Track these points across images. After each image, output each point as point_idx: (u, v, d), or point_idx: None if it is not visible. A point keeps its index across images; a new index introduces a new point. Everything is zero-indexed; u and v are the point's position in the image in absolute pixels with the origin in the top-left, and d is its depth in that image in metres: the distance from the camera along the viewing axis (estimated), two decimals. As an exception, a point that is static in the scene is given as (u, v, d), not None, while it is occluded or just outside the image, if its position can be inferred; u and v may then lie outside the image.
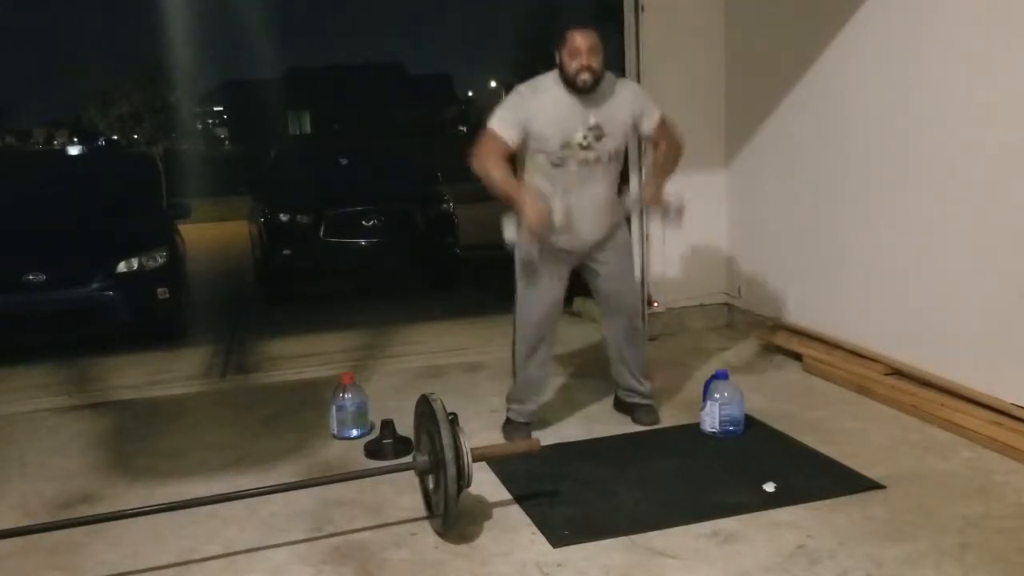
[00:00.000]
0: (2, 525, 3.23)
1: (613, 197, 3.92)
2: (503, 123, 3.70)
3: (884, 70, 4.42)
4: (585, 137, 3.71)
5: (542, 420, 4.20)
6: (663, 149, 3.92)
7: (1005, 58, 3.72)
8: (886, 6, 4.41)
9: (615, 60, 5.39)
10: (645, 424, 4.17)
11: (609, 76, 3.79)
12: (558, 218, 3.76)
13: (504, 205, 3.74)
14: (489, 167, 3.65)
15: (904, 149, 4.33)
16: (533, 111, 3.70)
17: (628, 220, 4.18)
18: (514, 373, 4.10)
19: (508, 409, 4.14)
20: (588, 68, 3.63)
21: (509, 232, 3.81)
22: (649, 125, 3.86)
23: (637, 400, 4.22)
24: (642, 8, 5.52)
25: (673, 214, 3.89)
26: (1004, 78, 3.73)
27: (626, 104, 3.80)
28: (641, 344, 4.24)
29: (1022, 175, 3.68)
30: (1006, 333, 3.80)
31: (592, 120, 3.71)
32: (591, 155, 3.74)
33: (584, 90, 3.66)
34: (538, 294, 3.92)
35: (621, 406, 4.31)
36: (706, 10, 5.72)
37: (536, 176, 3.80)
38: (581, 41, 3.62)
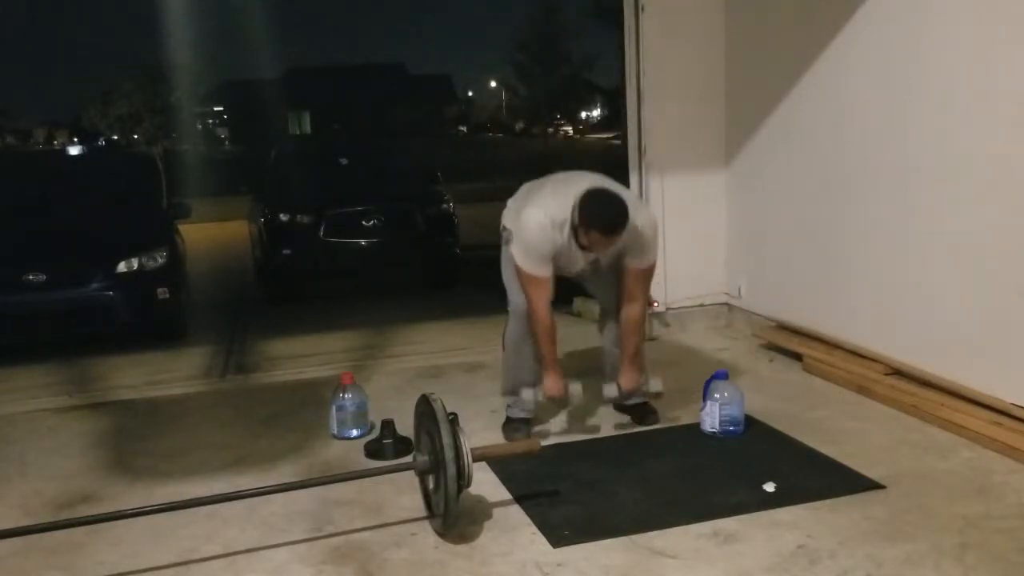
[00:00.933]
0: (2, 525, 3.23)
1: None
2: (534, 264, 3.76)
3: (884, 71, 4.42)
4: (584, 268, 3.93)
5: (540, 421, 4.20)
6: (633, 319, 3.96)
7: (1006, 57, 3.72)
8: (886, 6, 4.41)
9: (615, 60, 5.39)
10: (646, 424, 4.17)
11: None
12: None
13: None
14: (541, 331, 3.83)
15: (904, 149, 4.33)
16: (553, 245, 3.73)
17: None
18: (505, 364, 4.14)
19: (507, 407, 4.15)
20: (596, 254, 3.80)
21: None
22: (636, 263, 3.88)
23: (637, 400, 4.22)
24: (642, 8, 5.52)
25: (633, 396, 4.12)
26: (1005, 78, 3.73)
27: (619, 245, 3.80)
28: (641, 344, 4.22)
29: (1022, 175, 3.68)
30: (1006, 333, 3.80)
31: (592, 256, 3.84)
32: (587, 270, 3.97)
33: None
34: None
35: (621, 407, 4.30)
36: (706, 10, 5.72)
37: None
38: (602, 243, 3.69)
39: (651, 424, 4.17)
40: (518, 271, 3.82)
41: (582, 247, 3.73)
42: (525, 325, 3.95)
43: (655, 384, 4.11)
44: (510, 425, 4.12)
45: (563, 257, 3.78)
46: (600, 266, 3.92)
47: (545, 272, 3.76)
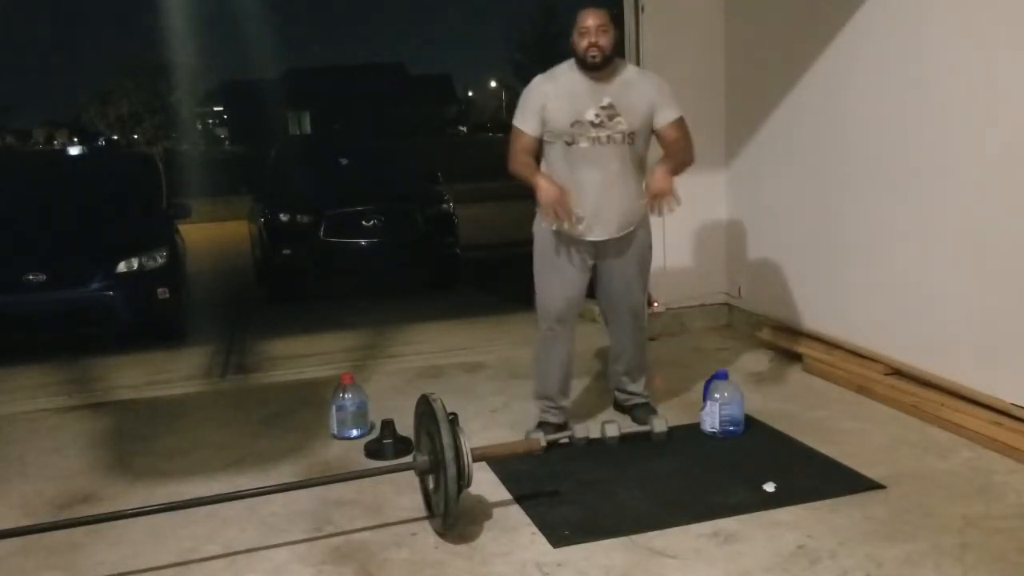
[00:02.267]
0: (2, 525, 3.23)
1: (631, 184, 3.84)
2: (522, 117, 3.81)
3: (883, 70, 4.42)
4: (597, 116, 3.72)
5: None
6: (680, 143, 3.87)
7: (1006, 57, 3.72)
8: (886, 5, 4.41)
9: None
10: (646, 423, 4.11)
11: (632, 67, 3.93)
12: (575, 205, 3.74)
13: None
14: (515, 166, 3.80)
15: (904, 149, 4.33)
16: (547, 94, 3.77)
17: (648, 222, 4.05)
18: (535, 367, 4.10)
19: (541, 411, 4.10)
20: (596, 45, 3.68)
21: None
22: (664, 119, 3.82)
23: (637, 401, 4.22)
24: (642, 8, 5.52)
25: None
26: (1005, 77, 3.73)
27: (645, 93, 3.81)
28: (643, 345, 4.22)
29: (1022, 174, 3.68)
30: (1006, 333, 3.80)
31: (605, 100, 3.73)
32: (603, 133, 3.73)
33: (595, 67, 3.70)
34: (556, 282, 3.91)
35: (621, 408, 4.30)
36: (706, 10, 5.72)
37: (554, 166, 3.82)
38: (590, 20, 3.69)
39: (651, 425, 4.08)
40: (511, 140, 3.83)
41: (581, 58, 3.69)
42: (551, 327, 3.94)
43: (659, 425, 3.92)
44: (541, 429, 4.01)
45: (569, 100, 3.72)
46: (616, 113, 3.72)
47: (528, 126, 3.77)
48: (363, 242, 8.30)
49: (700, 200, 5.82)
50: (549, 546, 3.04)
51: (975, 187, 3.93)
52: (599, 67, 3.70)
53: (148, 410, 4.93)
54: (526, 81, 3.95)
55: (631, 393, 4.23)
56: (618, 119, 3.74)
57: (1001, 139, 3.77)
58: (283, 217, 8.45)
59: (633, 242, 3.92)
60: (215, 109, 49.63)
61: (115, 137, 39.91)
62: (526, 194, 3.87)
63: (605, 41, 3.69)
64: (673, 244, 5.67)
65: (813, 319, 5.10)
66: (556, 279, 3.91)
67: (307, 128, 45.13)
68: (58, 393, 5.33)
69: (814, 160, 5.02)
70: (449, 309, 7.36)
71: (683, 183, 3.96)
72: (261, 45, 37.73)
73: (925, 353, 4.24)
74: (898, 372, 4.37)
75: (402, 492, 3.48)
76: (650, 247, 4.07)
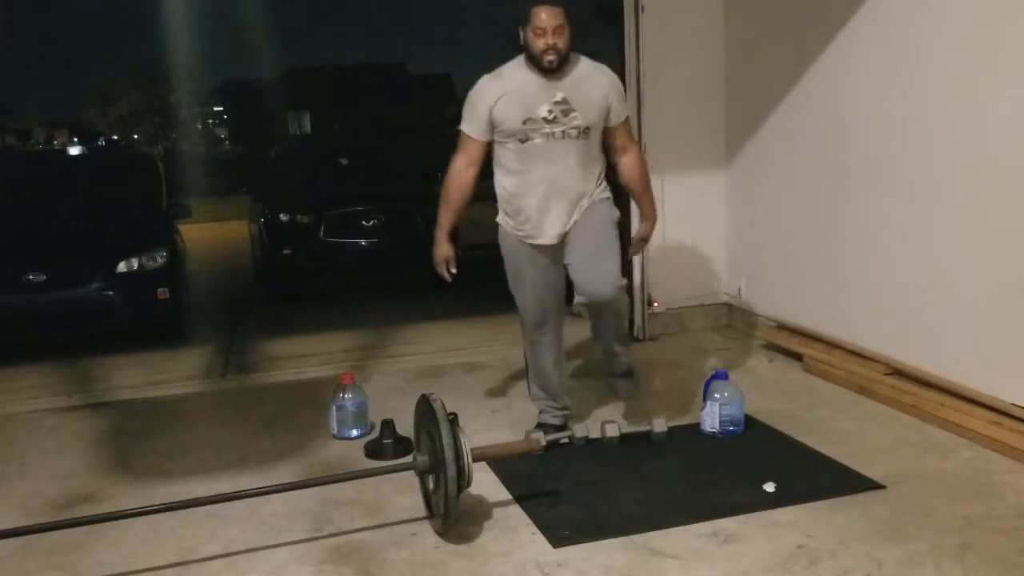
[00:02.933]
0: (2, 525, 3.23)
1: (587, 176, 3.71)
2: (470, 121, 3.67)
3: (884, 71, 4.42)
4: (551, 112, 3.57)
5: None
6: (631, 167, 3.83)
7: (1006, 57, 3.72)
8: (886, 5, 4.41)
9: (615, 61, 5.39)
10: (624, 393, 4.18)
11: (586, 60, 3.69)
12: (524, 216, 3.72)
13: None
14: (446, 194, 3.84)
15: (904, 149, 4.33)
16: (495, 95, 3.59)
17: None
18: (526, 370, 4.08)
19: (540, 412, 4.05)
20: (553, 48, 3.49)
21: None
22: (616, 119, 3.72)
23: (615, 368, 4.14)
24: (642, 8, 5.52)
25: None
26: (1005, 77, 3.73)
27: (601, 87, 3.67)
28: (620, 316, 4.03)
29: (1022, 175, 3.68)
30: (1006, 333, 3.80)
31: (559, 95, 3.57)
32: (557, 129, 3.58)
33: (551, 71, 3.53)
34: (525, 288, 3.84)
35: (613, 374, 4.20)
36: (706, 10, 5.72)
37: (507, 165, 3.71)
38: (546, 19, 3.46)
39: (630, 390, 4.21)
40: (458, 145, 3.73)
41: (536, 60, 3.50)
42: (531, 335, 3.90)
43: (659, 425, 3.87)
44: (541, 430, 3.91)
45: (520, 98, 3.55)
46: (571, 108, 3.57)
47: (477, 131, 3.63)
48: (363, 242, 8.30)
49: (700, 200, 5.84)
50: (549, 546, 3.04)
51: (975, 187, 3.92)
52: (555, 71, 3.54)
53: (148, 410, 4.93)
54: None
55: (611, 356, 4.11)
56: (573, 115, 3.59)
57: (1001, 139, 3.76)
58: (283, 217, 8.45)
59: (591, 215, 3.72)
60: (215, 109, 49.61)
61: (115, 137, 39.90)
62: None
63: (563, 43, 3.50)
64: (673, 244, 5.67)
65: (813, 319, 5.10)
66: (524, 284, 3.84)
67: (307, 128, 45.09)
68: (58, 393, 5.32)
69: (814, 160, 5.02)
70: (449, 309, 7.35)
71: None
72: (261, 45, 37.72)
73: (925, 353, 4.23)
74: (898, 372, 4.37)
75: (402, 492, 3.48)
76: (614, 223, 3.80)
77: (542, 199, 3.67)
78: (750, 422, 4.05)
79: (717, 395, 3.97)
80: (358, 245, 8.29)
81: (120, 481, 3.85)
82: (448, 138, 4.08)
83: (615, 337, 4.02)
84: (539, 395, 4.05)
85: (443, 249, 3.87)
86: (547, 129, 3.58)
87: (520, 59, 3.63)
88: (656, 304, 5.77)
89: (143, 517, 3.16)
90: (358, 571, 2.96)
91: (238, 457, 4.05)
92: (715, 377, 4.05)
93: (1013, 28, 3.67)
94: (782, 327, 5.35)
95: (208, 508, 3.31)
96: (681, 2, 5.67)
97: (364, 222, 8.28)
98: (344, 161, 9.82)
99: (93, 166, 8.41)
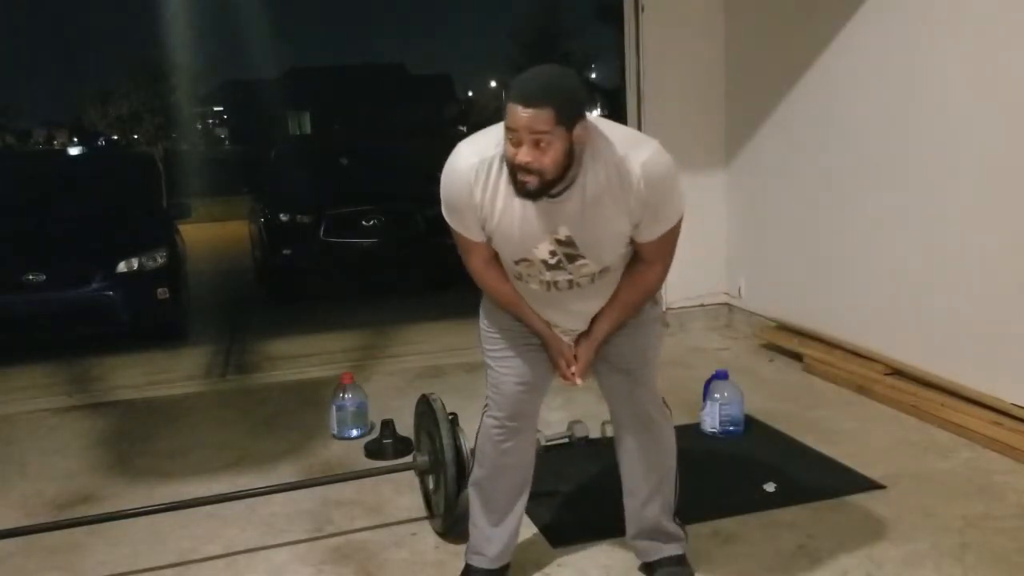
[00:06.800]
0: (2, 525, 3.23)
1: (608, 296, 2.56)
2: (460, 223, 2.43)
3: (884, 70, 4.42)
4: (552, 254, 2.38)
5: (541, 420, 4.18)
6: (641, 276, 2.51)
7: (1006, 57, 3.72)
8: (886, 6, 4.41)
9: (615, 61, 5.39)
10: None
11: (606, 152, 2.29)
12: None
13: None
14: (484, 285, 2.57)
15: (904, 149, 4.33)
16: (476, 205, 2.35)
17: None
18: (474, 479, 2.81)
19: (469, 553, 2.82)
20: (526, 168, 2.20)
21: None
22: (650, 235, 2.40)
23: (667, 552, 2.80)
24: (642, 8, 5.52)
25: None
26: (1005, 77, 3.73)
27: (620, 211, 2.32)
28: (667, 456, 2.79)
29: (1022, 174, 3.68)
30: (1006, 333, 3.80)
31: (561, 231, 2.34)
32: (560, 277, 2.43)
33: (528, 196, 2.26)
34: (509, 361, 2.64)
35: (647, 567, 2.84)
36: (706, 10, 5.72)
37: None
38: (520, 118, 2.16)
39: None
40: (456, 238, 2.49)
41: (514, 185, 2.25)
42: (501, 424, 2.69)
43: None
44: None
45: (509, 223, 2.33)
46: (578, 254, 2.37)
47: (475, 234, 2.41)
48: (363, 242, 8.30)
49: (700, 200, 5.83)
50: (549, 546, 3.04)
51: (975, 187, 3.93)
52: (533, 197, 2.26)
53: (148, 410, 4.93)
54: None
55: (656, 533, 2.81)
56: (582, 262, 2.39)
57: (1001, 139, 3.77)
58: (283, 217, 8.45)
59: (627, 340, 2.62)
60: (215, 109, 49.68)
61: (115, 137, 39.92)
62: None
63: (546, 162, 2.18)
64: (673, 244, 5.67)
65: (813, 319, 5.10)
66: (508, 355, 2.62)
67: (307, 128, 45.15)
68: (58, 393, 5.33)
69: (814, 160, 5.02)
70: (449, 309, 7.35)
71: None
72: (261, 45, 37.76)
73: (925, 353, 4.24)
74: (898, 372, 4.37)
75: (402, 492, 3.48)
76: (657, 321, 2.73)
77: (549, 315, 2.59)
78: (750, 422, 4.05)
79: (717, 395, 3.98)
80: (358, 245, 8.29)
81: (120, 481, 3.85)
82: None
83: (664, 502, 2.79)
84: (477, 515, 2.80)
85: (556, 344, 2.58)
86: (548, 276, 2.44)
87: (498, 154, 2.33)
88: (656, 304, 5.76)
89: (143, 517, 3.16)
90: (358, 571, 2.96)
91: (238, 457, 4.05)
92: (715, 377, 4.05)
93: (1013, 27, 3.67)
94: (782, 327, 5.35)
95: (208, 508, 3.31)
96: (681, 2, 5.67)
97: (364, 222, 8.28)
98: (344, 161, 9.83)
99: (93, 166, 8.43)
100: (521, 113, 2.15)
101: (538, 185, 2.22)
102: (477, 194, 2.32)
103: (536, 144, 2.16)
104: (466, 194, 2.33)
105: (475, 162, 2.32)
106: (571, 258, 2.38)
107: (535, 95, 2.16)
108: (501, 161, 2.29)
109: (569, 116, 2.17)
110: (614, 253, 2.42)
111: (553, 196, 2.28)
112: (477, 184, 2.32)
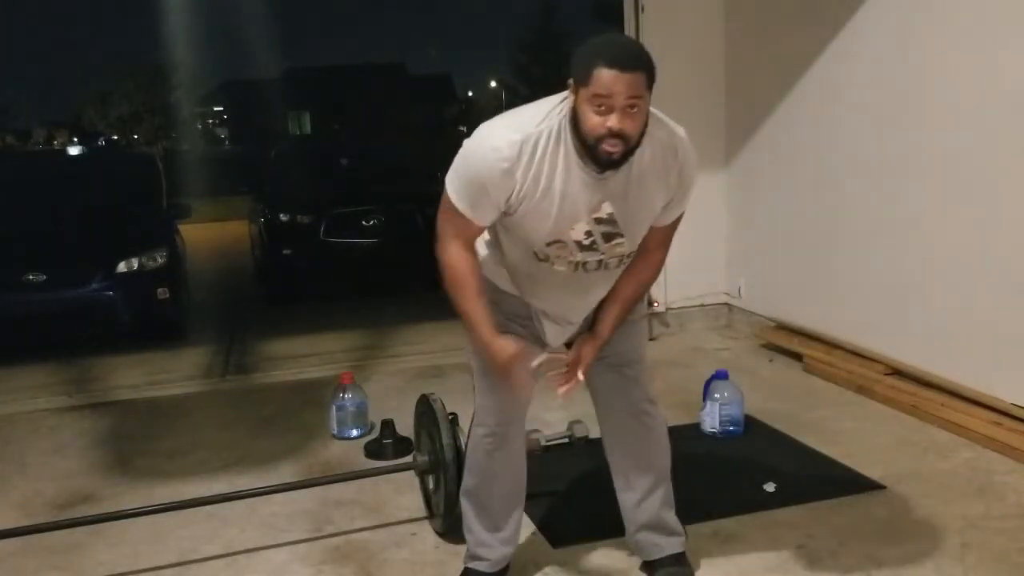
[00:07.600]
0: (2, 525, 3.23)
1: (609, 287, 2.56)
2: (469, 198, 2.30)
3: (884, 70, 4.42)
4: (588, 235, 2.32)
5: (541, 420, 4.18)
6: (640, 269, 2.51)
7: (1005, 57, 3.72)
8: (885, 6, 4.41)
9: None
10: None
11: (654, 131, 2.28)
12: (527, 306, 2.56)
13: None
14: (450, 272, 2.47)
15: (904, 149, 4.33)
16: (512, 187, 2.24)
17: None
18: (466, 488, 2.78)
19: (467, 557, 2.78)
20: (619, 135, 2.15)
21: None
22: (668, 217, 2.47)
23: (668, 551, 2.78)
24: (642, 8, 5.52)
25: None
26: (1004, 77, 3.73)
27: (659, 190, 2.35)
28: (664, 449, 2.76)
29: (1022, 174, 3.68)
30: (1006, 333, 3.80)
31: (604, 208, 2.29)
32: (591, 258, 2.37)
33: (611, 165, 2.21)
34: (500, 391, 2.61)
35: (647, 567, 2.82)
36: (706, 10, 5.72)
37: (506, 256, 2.50)
38: (615, 85, 2.11)
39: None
40: (441, 209, 2.37)
41: (588, 145, 2.17)
42: (491, 431, 2.68)
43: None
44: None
45: (551, 204, 2.25)
46: (617, 231, 2.33)
47: (479, 215, 2.31)
48: (363, 242, 8.30)
49: (700, 200, 5.78)
50: (549, 546, 3.04)
51: (975, 187, 3.93)
52: (616, 165, 2.22)
53: (148, 410, 4.93)
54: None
55: (654, 528, 2.78)
56: (618, 240, 2.36)
57: (1001, 139, 3.77)
58: (283, 217, 8.47)
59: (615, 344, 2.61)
60: (215, 109, 49.65)
61: (115, 137, 39.90)
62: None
63: (633, 126, 2.16)
64: (673, 244, 5.65)
65: (813, 319, 5.10)
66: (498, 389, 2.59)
67: (307, 128, 45.12)
68: (58, 393, 5.33)
69: (814, 160, 5.02)
70: (449, 309, 7.36)
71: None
72: (261, 45, 37.72)
73: (925, 353, 4.24)
74: (898, 372, 4.37)
75: (402, 492, 3.48)
76: (645, 318, 2.84)
77: (550, 306, 2.55)
78: (750, 422, 4.05)
79: (717, 395, 3.98)
80: (358, 245, 8.29)
81: (120, 481, 3.85)
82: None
83: (665, 494, 2.77)
84: (471, 523, 2.77)
85: (499, 344, 2.42)
86: (578, 257, 2.36)
87: (562, 131, 2.23)
88: (656, 304, 5.76)
89: (143, 517, 3.17)
90: (358, 571, 2.96)
91: (238, 457, 4.05)
92: (715, 377, 4.05)
93: (1012, 27, 3.67)
94: (782, 327, 5.35)
95: (208, 508, 3.31)
96: (681, 2, 5.67)
97: (364, 222, 8.29)
98: (344, 161, 9.84)
99: (93, 166, 8.42)
100: (622, 78, 2.11)
101: (623, 152, 2.19)
102: (518, 173, 2.22)
103: (628, 110, 2.14)
104: (498, 173, 2.22)
105: (517, 139, 2.21)
106: (608, 237, 2.34)
107: (632, 60, 2.16)
108: (548, 138, 2.22)
109: (652, 82, 2.20)
110: (644, 231, 2.42)
111: (607, 171, 2.24)
112: (520, 161, 2.21)
